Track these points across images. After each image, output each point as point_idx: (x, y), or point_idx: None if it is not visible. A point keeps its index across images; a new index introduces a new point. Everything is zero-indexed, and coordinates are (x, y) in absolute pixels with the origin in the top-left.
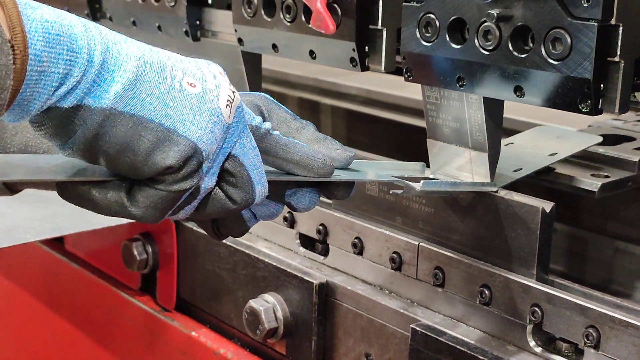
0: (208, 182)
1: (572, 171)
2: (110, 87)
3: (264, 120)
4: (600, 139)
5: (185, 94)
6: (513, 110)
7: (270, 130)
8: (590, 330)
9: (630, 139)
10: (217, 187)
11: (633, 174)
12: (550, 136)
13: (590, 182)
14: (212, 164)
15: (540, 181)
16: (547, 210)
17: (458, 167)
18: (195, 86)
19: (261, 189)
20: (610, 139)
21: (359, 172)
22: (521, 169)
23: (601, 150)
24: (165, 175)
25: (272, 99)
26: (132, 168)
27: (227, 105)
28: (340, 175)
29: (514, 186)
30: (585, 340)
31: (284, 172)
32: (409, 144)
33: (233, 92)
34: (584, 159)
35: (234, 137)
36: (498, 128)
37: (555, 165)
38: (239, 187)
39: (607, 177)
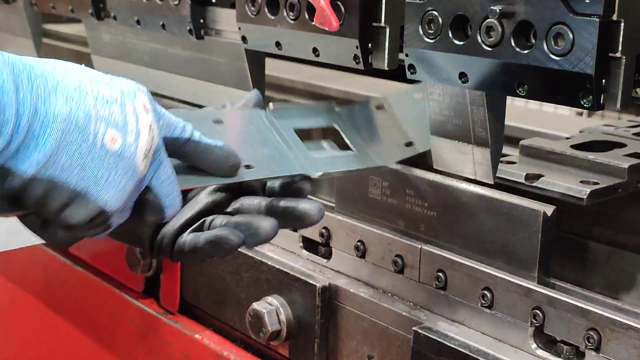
0: (121, 218)
1: (560, 178)
2: (33, 154)
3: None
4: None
5: (105, 152)
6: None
7: (192, 136)
8: (591, 333)
9: (621, 145)
10: (135, 214)
11: (623, 181)
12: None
13: (579, 189)
14: (129, 205)
15: (530, 187)
16: (549, 214)
17: (460, 163)
18: (115, 141)
19: (172, 211)
20: (601, 145)
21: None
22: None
23: (591, 156)
24: (70, 228)
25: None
26: (43, 217)
27: (145, 157)
28: (252, 171)
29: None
30: (586, 342)
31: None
32: None
33: (151, 140)
34: (573, 166)
35: (150, 175)
36: (500, 124)
37: (544, 171)
38: (152, 213)
39: (596, 183)
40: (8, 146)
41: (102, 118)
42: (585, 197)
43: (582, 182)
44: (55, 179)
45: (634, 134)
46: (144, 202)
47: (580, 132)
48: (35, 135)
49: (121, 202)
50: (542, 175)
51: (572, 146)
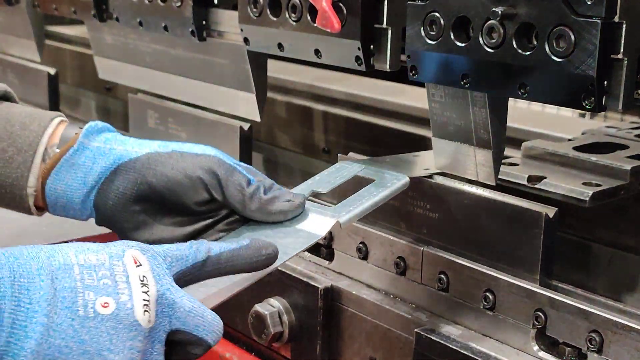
0: None
1: (563, 179)
2: (25, 344)
3: (221, 187)
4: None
5: (100, 319)
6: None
7: (210, 253)
8: (593, 335)
9: (623, 146)
10: (179, 346)
11: (625, 183)
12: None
13: (581, 191)
14: (150, 356)
15: (532, 189)
16: (551, 216)
17: (462, 164)
18: (108, 305)
19: (213, 336)
20: (603, 147)
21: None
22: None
23: (593, 158)
24: None
25: (228, 159)
26: None
27: (145, 311)
28: (287, 254)
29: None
30: (589, 344)
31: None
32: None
33: (147, 291)
34: (576, 168)
35: (165, 323)
36: (502, 125)
37: (546, 173)
38: (192, 345)
39: (598, 185)
40: None
41: (89, 287)
42: (587, 199)
43: (584, 184)
44: None
45: (636, 136)
46: (181, 344)
47: (583, 133)
48: (21, 325)
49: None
50: (545, 177)
51: (575, 148)
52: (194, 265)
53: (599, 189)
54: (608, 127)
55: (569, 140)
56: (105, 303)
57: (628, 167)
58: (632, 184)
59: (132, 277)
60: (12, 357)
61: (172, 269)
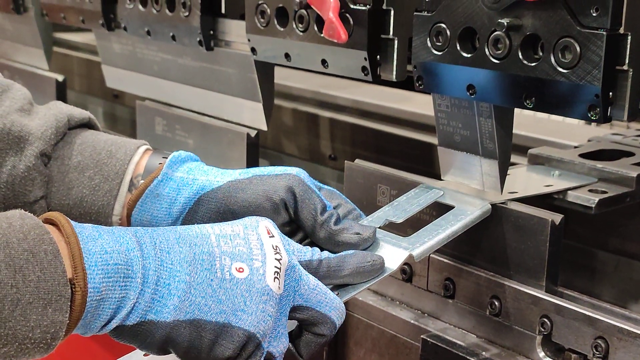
0: (279, 345)
1: (569, 186)
2: (168, 301)
3: (296, 207)
4: (596, 181)
5: (235, 282)
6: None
7: (321, 257)
8: (599, 341)
9: (629, 154)
10: (304, 332)
11: (631, 190)
12: (547, 173)
13: (588, 198)
14: (276, 329)
15: (538, 197)
16: (557, 223)
17: (468, 174)
18: (243, 270)
19: (337, 313)
20: (609, 154)
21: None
22: (516, 192)
23: (599, 165)
24: None
25: (308, 179)
26: None
27: (275, 278)
28: (356, 289)
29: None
30: (594, 351)
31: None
32: (413, 158)
33: (279, 259)
34: (581, 175)
35: (291, 295)
36: (508, 136)
37: (553, 180)
38: (318, 325)
39: (604, 192)
40: (140, 297)
41: (226, 253)
42: (593, 205)
43: (590, 191)
44: (197, 319)
45: None
46: (306, 321)
47: (589, 141)
48: (165, 283)
49: (266, 325)
50: (551, 185)
51: (581, 155)
52: (310, 262)
53: (605, 195)
54: (614, 134)
55: (575, 147)
56: (240, 268)
57: (634, 174)
58: (638, 191)
59: (266, 246)
60: (155, 314)
61: (293, 255)
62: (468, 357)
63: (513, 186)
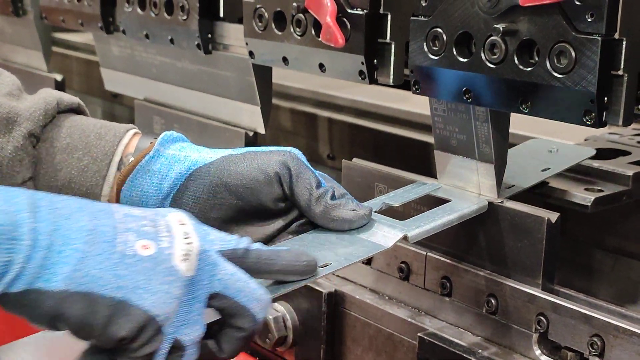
0: (190, 333)
1: (565, 185)
2: (59, 269)
3: (291, 182)
4: (594, 152)
5: (138, 259)
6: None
7: (249, 247)
8: (595, 339)
9: (625, 153)
10: (226, 326)
11: (627, 188)
12: (543, 149)
13: (584, 197)
14: (187, 315)
15: (535, 195)
16: (553, 221)
17: (465, 178)
18: (148, 248)
19: (258, 305)
20: (606, 153)
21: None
22: (513, 185)
23: (595, 164)
24: (123, 344)
25: (303, 157)
26: (91, 339)
27: (184, 259)
28: (328, 266)
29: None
30: (590, 349)
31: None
32: (411, 157)
33: (189, 243)
34: (578, 173)
35: (206, 280)
36: (504, 140)
37: (549, 179)
38: (237, 316)
39: (600, 191)
40: (28, 262)
41: (131, 229)
42: (589, 204)
43: (586, 189)
44: (90, 292)
45: (638, 142)
46: (225, 312)
47: (586, 140)
48: (58, 250)
49: (168, 307)
50: (547, 183)
51: None
52: (234, 251)
53: (601, 194)
54: (610, 133)
55: None
56: (145, 245)
57: (630, 172)
58: (634, 190)
59: (175, 230)
60: (44, 282)
61: (213, 245)
62: (465, 355)
63: (510, 175)
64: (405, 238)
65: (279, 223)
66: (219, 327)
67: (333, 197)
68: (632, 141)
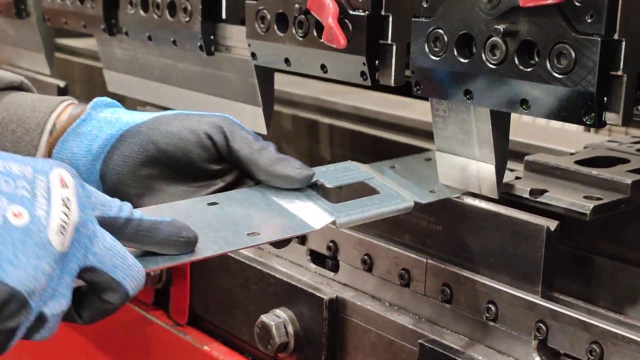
0: (55, 306)
1: (564, 193)
2: None
3: (226, 140)
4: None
5: (9, 229)
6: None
7: (131, 216)
8: (594, 346)
9: (624, 161)
10: (92, 295)
11: (626, 196)
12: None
13: (582, 204)
14: (55, 289)
15: (533, 202)
16: (552, 229)
17: (466, 178)
18: (21, 216)
19: (132, 282)
20: (605, 161)
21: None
22: (436, 191)
23: (594, 172)
24: None
25: (236, 121)
26: None
27: (60, 232)
28: (211, 248)
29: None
30: (589, 355)
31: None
32: None
33: (67, 214)
34: (577, 181)
35: (80, 254)
36: (505, 140)
37: (548, 187)
38: (108, 290)
39: (599, 199)
40: None
41: (4, 193)
42: (588, 212)
43: (585, 197)
44: None
45: (637, 150)
46: (96, 285)
47: (585, 147)
48: None
49: (37, 283)
50: (547, 191)
51: (576, 162)
52: (115, 220)
53: (599, 202)
54: (609, 141)
55: (571, 154)
56: (18, 213)
57: (629, 180)
58: (633, 198)
59: (55, 196)
60: None
61: (95, 210)
62: None
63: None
64: (333, 224)
65: (217, 184)
66: (82, 292)
67: (277, 152)
68: (631, 149)
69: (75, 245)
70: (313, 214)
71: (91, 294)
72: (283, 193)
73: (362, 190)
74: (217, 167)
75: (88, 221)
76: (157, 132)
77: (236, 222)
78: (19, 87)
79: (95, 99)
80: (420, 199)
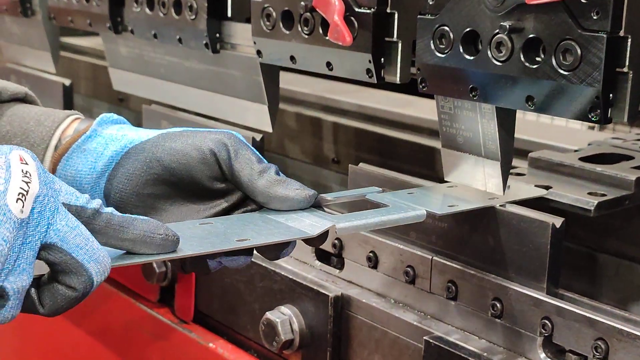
0: (16, 281)
1: (568, 189)
2: None
3: (229, 159)
4: (545, 192)
5: None
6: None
7: (101, 210)
8: (599, 343)
9: (629, 157)
10: (54, 281)
11: (630, 193)
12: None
13: (587, 201)
14: (16, 262)
15: (537, 199)
16: (558, 226)
17: (471, 176)
18: None
19: (97, 267)
20: (609, 158)
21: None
22: (456, 205)
23: (599, 168)
24: None
25: (242, 138)
26: None
27: (19, 199)
28: (246, 241)
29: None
30: (594, 352)
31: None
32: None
33: (28, 182)
34: (581, 178)
35: (42, 227)
36: (510, 137)
37: (553, 184)
38: (70, 273)
39: (603, 195)
40: None
41: None
42: (592, 208)
43: (589, 193)
44: None
45: None
46: (58, 267)
47: (589, 144)
48: None
49: None
50: (551, 187)
51: (581, 158)
52: (82, 209)
53: (604, 198)
54: (614, 138)
55: (575, 151)
56: None
57: (633, 177)
58: (637, 194)
59: (14, 169)
60: None
61: (59, 195)
62: (470, 359)
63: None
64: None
65: (220, 205)
66: (46, 279)
67: (278, 174)
68: (635, 146)
69: (36, 217)
70: (311, 223)
71: (53, 279)
72: (283, 213)
73: (371, 207)
74: (220, 185)
75: (50, 196)
76: (162, 149)
77: (227, 233)
78: (23, 99)
79: (102, 115)
80: (436, 211)
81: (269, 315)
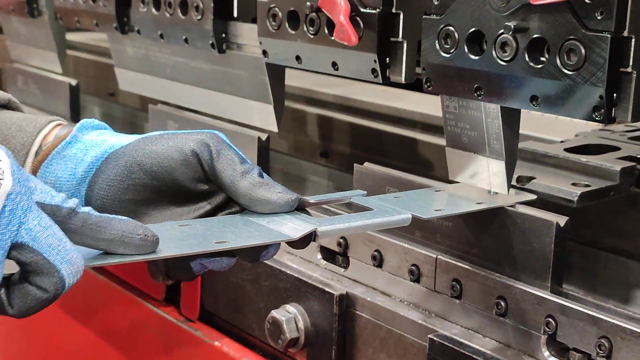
0: None
1: (552, 180)
2: None
3: (211, 159)
4: (534, 197)
5: None
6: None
7: (77, 209)
8: (603, 341)
9: (615, 148)
10: (25, 282)
11: (615, 183)
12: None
13: (570, 191)
14: None
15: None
16: (562, 225)
17: (475, 174)
18: None
19: (69, 268)
20: (595, 149)
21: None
22: (443, 209)
23: (583, 159)
24: None
25: (225, 138)
26: None
27: None
28: (225, 243)
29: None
30: (598, 350)
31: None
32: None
33: (0, 179)
34: (566, 169)
35: (13, 225)
36: (515, 136)
37: (536, 174)
38: (41, 274)
39: (587, 186)
40: None
41: None
42: (575, 199)
43: (573, 184)
44: None
45: (629, 138)
46: (29, 267)
47: (576, 135)
48: None
49: None
50: (534, 178)
51: (566, 149)
52: (57, 208)
53: (587, 189)
54: (601, 129)
55: (561, 142)
56: None
57: (618, 168)
58: (622, 185)
59: None
60: None
61: (33, 193)
62: (474, 357)
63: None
64: (315, 233)
65: (204, 207)
66: (16, 278)
67: (261, 176)
68: (623, 137)
69: (7, 215)
70: (293, 226)
71: (23, 279)
72: (265, 216)
73: (356, 211)
74: (203, 187)
75: (23, 194)
76: (142, 152)
77: (206, 235)
78: (6, 106)
79: (82, 121)
80: (422, 215)
81: (274, 313)
